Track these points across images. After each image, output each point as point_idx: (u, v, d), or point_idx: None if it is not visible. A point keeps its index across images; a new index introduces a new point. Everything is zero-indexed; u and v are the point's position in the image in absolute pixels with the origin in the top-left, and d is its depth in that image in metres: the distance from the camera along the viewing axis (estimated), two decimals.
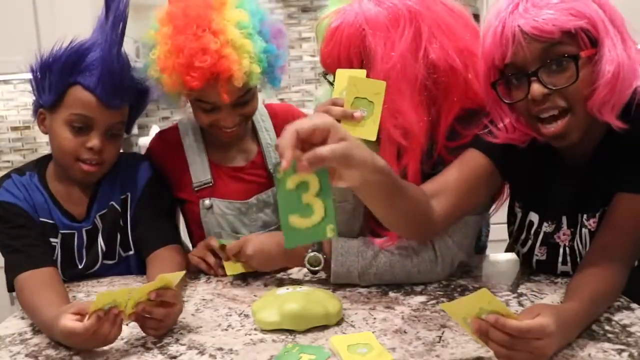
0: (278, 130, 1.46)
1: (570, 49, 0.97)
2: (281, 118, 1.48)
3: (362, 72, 1.08)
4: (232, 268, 1.30)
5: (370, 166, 0.90)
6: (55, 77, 1.21)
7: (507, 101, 1.06)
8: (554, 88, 0.99)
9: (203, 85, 1.21)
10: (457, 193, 1.13)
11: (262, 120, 1.49)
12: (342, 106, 1.06)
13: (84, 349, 0.98)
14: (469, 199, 1.15)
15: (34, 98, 1.28)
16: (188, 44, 1.19)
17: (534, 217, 1.20)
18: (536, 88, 0.99)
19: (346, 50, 1.10)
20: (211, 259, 1.33)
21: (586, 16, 0.96)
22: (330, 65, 1.13)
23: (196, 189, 1.42)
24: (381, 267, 1.18)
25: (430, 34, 1.10)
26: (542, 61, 0.98)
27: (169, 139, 1.47)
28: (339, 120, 1.02)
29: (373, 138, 1.06)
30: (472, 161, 1.15)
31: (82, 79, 1.20)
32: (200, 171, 1.42)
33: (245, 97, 1.31)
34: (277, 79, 1.34)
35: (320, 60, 1.16)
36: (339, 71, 1.10)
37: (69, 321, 0.95)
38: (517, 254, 1.28)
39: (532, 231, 1.20)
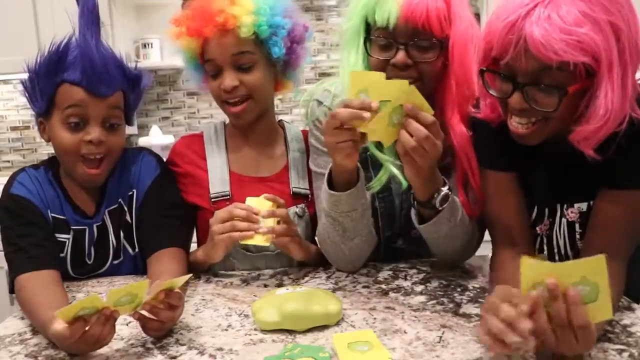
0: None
1: (564, 78, 0.93)
2: None
3: (381, 75, 1.06)
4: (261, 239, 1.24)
5: None
6: (42, 81, 1.21)
7: (491, 91, 1.04)
8: (534, 107, 0.97)
9: (203, 31, 1.30)
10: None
11: (297, 142, 1.47)
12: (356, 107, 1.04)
13: (79, 353, 0.98)
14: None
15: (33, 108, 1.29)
16: (201, 4, 1.32)
17: None
18: (516, 99, 0.97)
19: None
20: (243, 225, 1.23)
21: (594, 52, 0.90)
22: (417, 17, 1.13)
23: (213, 199, 1.39)
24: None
25: None
26: (533, 79, 0.95)
27: (192, 144, 1.47)
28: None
29: (389, 142, 1.08)
30: (494, 184, 1.17)
31: (66, 75, 1.20)
32: (219, 182, 1.40)
33: (244, 58, 1.32)
34: (278, 47, 1.34)
35: (401, 16, 1.14)
36: (353, 73, 1.08)
37: (59, 325, 0.94)
38: None
39: None
